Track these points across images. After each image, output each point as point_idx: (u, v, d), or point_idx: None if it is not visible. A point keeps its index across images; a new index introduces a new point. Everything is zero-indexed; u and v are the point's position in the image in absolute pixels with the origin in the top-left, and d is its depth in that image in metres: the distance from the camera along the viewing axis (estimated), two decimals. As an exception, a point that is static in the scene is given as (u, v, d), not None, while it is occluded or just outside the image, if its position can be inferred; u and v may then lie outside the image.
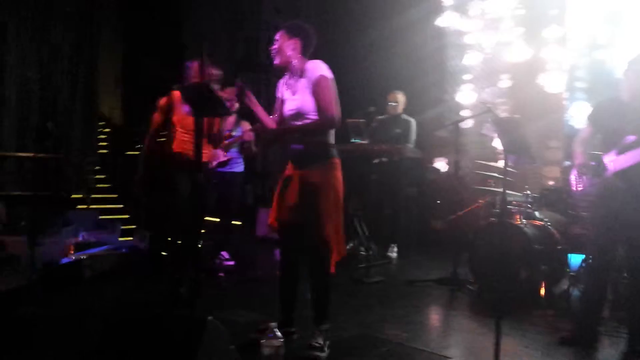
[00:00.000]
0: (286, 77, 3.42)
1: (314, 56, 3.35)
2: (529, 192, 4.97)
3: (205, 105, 2.72)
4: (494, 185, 5.33)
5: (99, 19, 9.95)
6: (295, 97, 3.29)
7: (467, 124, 6.85)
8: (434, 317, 4.52)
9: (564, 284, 4.63)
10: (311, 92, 3.21)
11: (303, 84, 3.25)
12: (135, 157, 10.15)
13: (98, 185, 9.91)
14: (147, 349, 2.32)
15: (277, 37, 3.36)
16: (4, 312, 3.89)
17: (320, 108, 3.18)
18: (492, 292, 4.60)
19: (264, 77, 9.33)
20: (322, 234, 3.17)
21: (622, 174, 3.39)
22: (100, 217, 8.39)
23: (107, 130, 11.09)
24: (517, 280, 4.44)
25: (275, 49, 3.34)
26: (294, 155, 3.32)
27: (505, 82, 7.14)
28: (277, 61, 3.34)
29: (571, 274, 4.65)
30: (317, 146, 3.24)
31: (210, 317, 2.37)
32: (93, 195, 9.40)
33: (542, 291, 4.48)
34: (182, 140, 4.55)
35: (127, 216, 9.06)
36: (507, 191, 4.79)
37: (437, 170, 7.40)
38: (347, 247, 5.38)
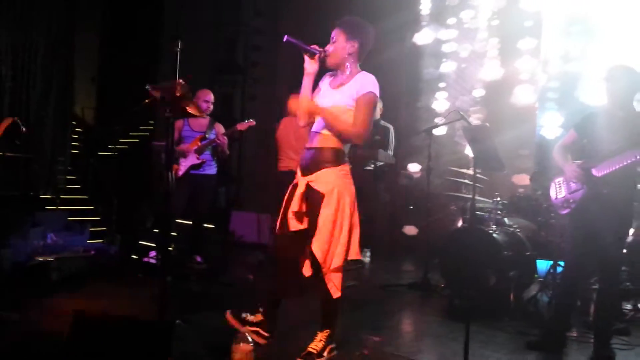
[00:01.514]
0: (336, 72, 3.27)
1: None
2: (499, 198, 5.04)
3: (177, 105, 2.71)
4: (466, 192, 5.39)
5: (76, 17, 9.81)
6: (334, 94, 3.17)
7: (441, 130, 6.92)
8: (406, 321, 4.55)
9: (533, 290, 4.71)
10: (354, 100, 3.09)
11: (349, 89, 3.12)
12: (108, 158, 10.05)
13: (68, 186, 9.73)
14: (116, 352, 2.28)
15: (333, 35, 3.19)
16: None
17: (356, 120, 3.07)
18: (462, 297, 4.65)
19: (241, 79, 9.32)
20: (322, 243, 3.03)
21: (605, 179, 3.44)
22: (70, 218, 8.24)
23: (79, 130, 10.91)
24: (486, 286, 4.49)
25: (330, 48, 3.17)
26: (304, 160, 3.20)
27: (479, 91, 7.24)
28: (330, 63, 3.19)
29: (539, 279, 4.74)
30: (329, 152, 3.13)
31: (178, 321, 2.35)
32: (62, 196, 9.23)
33: (511, 297, 4.54)
34: None
35: (97, 218, 8.92)
36: (478, 197, 4.88)
37: (410, 176, 7.46)
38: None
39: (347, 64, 3.19)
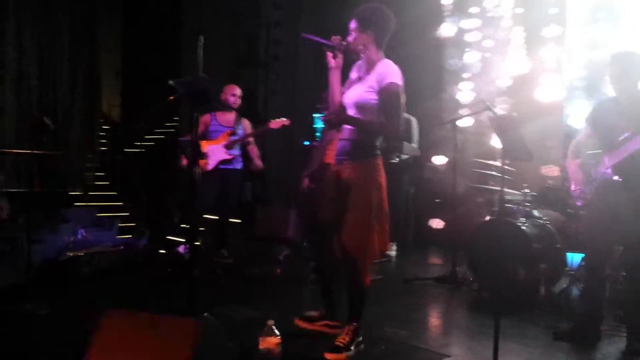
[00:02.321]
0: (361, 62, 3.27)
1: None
2: (527, 190, 4.96)
3: (201, 99, 2.71)
4: (493, 184, 5.32)
5: (99, 15, 9.94)
6: (359, 88, 3.15)
7: (466, 122, 6.83)
8: (433, 315, 4.51)
9: (563, 283, 4.62)
10: (377, 93, 3.07)
11: (371, 80, 3.10)
12: (135, 154, 10.17)
13: (96, 183, 9.89)
14: (144, 345, 2.30)
15: (350, 27, 3.17)
16: (1, 308, 3.87)
17: (387, 115, 3.06)
18: (490, 291, 4.59)
19: (263, 73, 9.32)
20: (351, 233, 3.07)
21: (618, 167, 3.43)
22: (98, 214, 8.37)
23: (106, 127, 11.07)
24: (516, 279, 4.43)
25: (349, 41, 3.17)
26: (337, 151, 3.24)
27: (504, 81, 7.12)
28: (353, 55, 3.21)
29: (570, 272, 4.65)
30: (361, 144, 3.13)
31: (206, 314, 2.36)
32: (91, 193, 9.38)
33: (541, 290, 4.47)
34: None
35: (126, 214, 9.04)
36: (506, 189, 4.81)
37: (436, 169, 7.38)
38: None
39: (365, 54, 3.17)
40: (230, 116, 5.61)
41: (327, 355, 3.08)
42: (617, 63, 3.51)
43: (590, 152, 3.65)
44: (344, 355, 3.09)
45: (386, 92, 3.05)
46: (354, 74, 3.29)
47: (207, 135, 5.54)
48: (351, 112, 3.18)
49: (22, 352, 3.17)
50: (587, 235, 3.70)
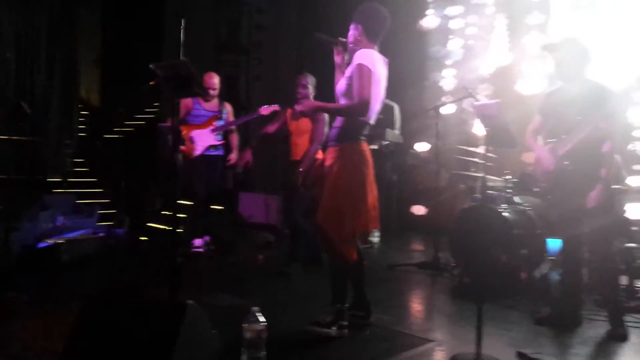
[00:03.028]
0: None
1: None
2: (509, 177, 5.00)
3: (182, 84, 2.67)
4: (475, 170, 5.35)
5: (79, -1, 9.74)
6: (342, 79, 3.34)
7: (448, 109, 6.85)
8: (416, 301, 4.55)
9: (544, 268, 4.68)
10: (348, 78, 3.23)
11: (349, 69, 3.26)
12: (114, 140, 10.04)
13: (76, 169, 9.75)
14: (128, 333, 2.28)
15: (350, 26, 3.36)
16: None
17: (352, 95, 3.18)
18: (472, 276, 4.63)
19: (245, 58, 9.23)
20: (324, 212, 3.21)
21: (569, 155, 3.49)
22: (78, 201, 8.25)
23: (84, 112, 10.89)
24: (497, 265, 4.47)
25: (348, 39, 3.34)
26: (328, 137, 3.42)
27: (486, 68, 7.14)
28: (349, 51, 3.34)
29: (550, 258, 4.70)
30: (345, 129, 3.27)
31: (190, 301, 2.34)
32: (70, 179, 9.25)
33: (522, 275, 4.51)
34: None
35: (106, 200, 8.94)
36: (487, 176, 4.83)
37: (418, 156, 7.41)
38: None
39: (357, 48, 3.28)
40: (214, 101, 5.55)
41: (307, 328, 3.25)
42: (560, 50, 3.55)
43: (549, 141, 3.69)
44: (320, 330, 3.23)
45: (353, 75, 3.18)
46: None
47: (189, 120, 5.47)
48: (342, 101, 3.32)
49: (5, 339, 3.13)
50: (558, 221, 3.79)
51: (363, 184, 3.23)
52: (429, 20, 7.63)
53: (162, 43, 9.42)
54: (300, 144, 4.85)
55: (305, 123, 4.83)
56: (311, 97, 4.88)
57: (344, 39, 3.35)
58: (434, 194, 5.73)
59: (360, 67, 3.14)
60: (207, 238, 5.56)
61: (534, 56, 6.64)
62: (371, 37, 3.29)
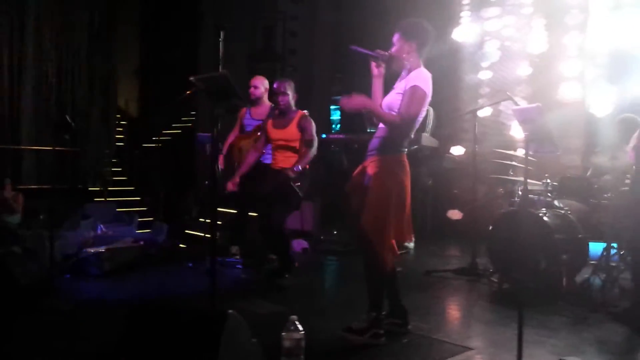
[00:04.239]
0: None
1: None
2: (548, 180, 4.90)
3: (222, 96, 2.70)
4: (513, 174, 5.26)
5: (117, 11, 9.99)
6: (392, 93, 3.37)
7: (485, 112, 6.76)
8: (455, 308, 4.48)
9: (585, 273, 4.57)
10: (399, 94, 3.28)
11: (401, 86, 3.30)
12: (152, 149, 10.23)
13: (115, 178, 9.98)
14: (169, 342, 2.31)
15: (394, 39, 3.37)
16: (26, 305, 3.92)
17: (399, 110, 3.25)
18: (512, 282, 4.55)
19: (280, 67, 9.29)
20: (366, 220, 3.23)
21: None
22: (118, 209, 8.44)
23: (123, 122, 11.14)
24: (537, 270, 4.38)
25: (392, 52, 3.35)
26: (369, 146, 3.43)
27: (524, 69, 7.03)
28: (393, 65, 3.37)
29: (592, 262, 4.59)
30: (387, 140, 3.32)
31: (231, 311, 2.37)
32: (110, 188, 9.47)
33: (564, 281, 4.41)
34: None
35: (144, 208, 9.11)
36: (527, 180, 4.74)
37: (454, 159, 7.32)
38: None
39: (407, 63, 3.34)
40: (263, 109, 5.34)
41: (338, 333, 3.29)
42: None
43: None
44: (352, 337, 3.25)
45: (406, 92, 3.23)
46: (396, 84, 3.44)
47: (243, 130, 5.40)
48: None
49: (49, 347, 3.21)
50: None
51: (404, 195, 3.30)
52: (464, 33, 7.53)
53: (198, 53, 9.57)
54: (288, 152, 4.70)
55: (292, 131, 4.68)
56: (293, 102, 4.77)
57: (384, 52, 3.35)
58: (471, 199, 5.65)
59: (415, 89, 3.21)
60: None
61: (573, 56, 6.51)
62: (421, 53, 3.36)
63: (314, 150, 4.67)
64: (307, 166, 4.73)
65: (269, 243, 4.82)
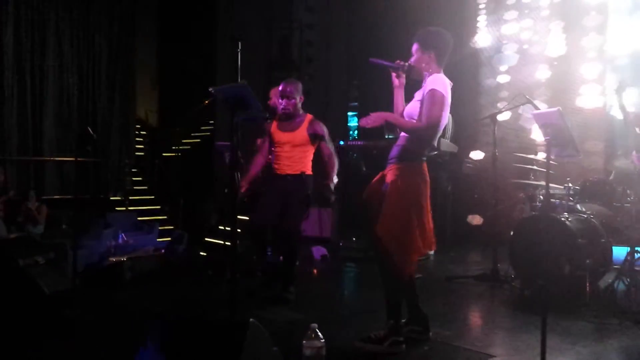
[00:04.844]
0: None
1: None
2: (570, 184, 4.84)
3: (241, 106, 2.72)
4: (534, 179, 5.20)
5: (135, 23, 10.13)
6: (412, 102, 3.38)
7: (504, 115, 6.71)
8: (476, 314, 4.44)
9: (609, 278, 4.50)
10: (419, 102, 3.28)
11: (421, 93, 3.31)
12: (172, 159, 10.34)
13: (135, 187, 10.09)
14: (191, 352, 2.33)
15: (413, 50, 3.38)
16: (49, 314, 3.97)
17: (418, 117, 3.27)
18: (534, 288, 4.49)
19: (296, 76, 9.33)
20: (379, 232, 3.20)
21: None
22: (139, 218, 8.53)
23: (143, 132, 11.28)
24: (560, 275, 4.32)
25: (411, 63, 3.36)
26: (390, 154, 3.42)
27: (543, 73, 6.96)
28: (413, 75, 3.38)
29: (616, 267, 4.52)
30: (408, 149, 3.31)
31: (252, 319, 2.37)
32: (131, 197, 9.58)
33: (587, 286, 4.35)
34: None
35: (164, 217, 9.20)
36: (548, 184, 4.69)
37: (474, 164, 7.27)
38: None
39: (426, 73, 3.34)
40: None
41: (355, 343, 3.24)
42: None
43: None
44: (370, 346, 3.21)
45: (425, 99, 3.23)
46: (415, 93, 3.44)
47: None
48: None
49: (70, 356, 3.25)
50: None
51: (424, 204, 3.27)
52: (482, 37, 7.50)
53: (216, 63, 9.65)
54: (295, 156, 4.46)
55: (301, 136, 4.45)
56: (299, 106, 4.52)
57: (404, 63, 3.36)
58: (491, 203, 5.59)
59: (434, 92, 3.20)
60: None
61: (593, 58, 6.44)
62: (441, 62, 3.36)
63: (335, 157, 4.49)
64: (310, 171, 4.54)
65: (283, 248, 4.60)
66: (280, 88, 4.54)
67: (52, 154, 8.70)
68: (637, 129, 3.82)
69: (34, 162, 8.59)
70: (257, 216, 4.51)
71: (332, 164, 4.47)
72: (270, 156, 4.65)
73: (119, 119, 9.68)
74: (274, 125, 4.55)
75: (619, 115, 6.07)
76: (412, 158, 3.30)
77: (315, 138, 4.47)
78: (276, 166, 4.52)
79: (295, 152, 4.47)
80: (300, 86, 4.58)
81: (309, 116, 4.58)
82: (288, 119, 4.50)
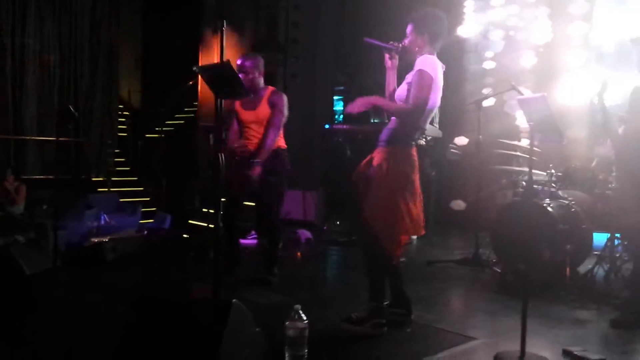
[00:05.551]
0: None
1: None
2: (553, 171, 4.88)
3: (224, 85, 2.68)
4: (517, 165, 5.24)
5: (119, 1, 9.96)
6: (402, 84, 3.36)
7: (489, 101, 6.73)
8: (458, 298, 4.49)
9: (589, 264, 4.56)
10: (408, 84, 3.27)
11: (410, 74, 3.29)
12: (155, 140, 10.24)
13: (118, 168, 9.99)
14: (173, 332, 2.32)
15: (407, 31, 3.35)
16: (31, 295, 3.94)
17: (407, 99, 3.25)
18: (515, 272, 4.54)
19: (282, 56, 9.25)
20: (366, 214, 3.23)
21: None
22: (121, 199, 8.45)
23: (126, 113, 11.14)
24: (541, 261, 4.37)
25: (405, 44, 3.35)
26: (380, 137, 3.40)
27: (528, 59, 6.98)
28: (408, 57, 3.36)
29: (596, 253, 4.59)
30: (397, 132, 3.29)
31: (235, 300, 2.37)
32: (113, 178, 9.48)
33: (567, 271, 4.41)
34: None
35: (147, 198, 9.12)
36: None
37: (458, 149, 7.29)
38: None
39: (419, 56, 3.30)
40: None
41: (339, 324, 3.28)
42: None
43: None
44: (351, 327, 3.25)
45: (412, 80, 3.22)
46: (407, 75, 3.42)
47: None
48: None
49: (53, 336, 3.23)
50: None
51: (412, 189, 3.28)
52: (468, 24, 7.47)
53: (199, 43, 9.52)
54: (259, 134, 4.34)
55: (264, 111, 4.32)
56: (259, 81, 4.38)
57: (397, 43, 3.35)
58: (474, 189, 5.62)
59: (422, 73, 3.18)
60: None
61: (578, 46, 6.46)
62: (434, 44, 3.34)
63: (278, 131, 4.31)
64: (284, 145, 4.45)
65: (265, 231, 4.61)
66: (238, 62, 4.35)
67: (33, 134, 8.57)
68: (619, 130, 3.84)
69: (14, 141, 8.46)
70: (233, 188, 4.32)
71: (267, 136, 4.26)
72: (240, 138, 4.47)
73: (101, 99, 9.54)
74: (237, 104, 4.40)
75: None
76: (401, 142, 3.28)
77: (273, 108, 4.33)
78: (250, 146, 4.36)
79: (263, 129, 4.32)
80: (261, 62, 4.41)
81: (270, 88, 4.45)
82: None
